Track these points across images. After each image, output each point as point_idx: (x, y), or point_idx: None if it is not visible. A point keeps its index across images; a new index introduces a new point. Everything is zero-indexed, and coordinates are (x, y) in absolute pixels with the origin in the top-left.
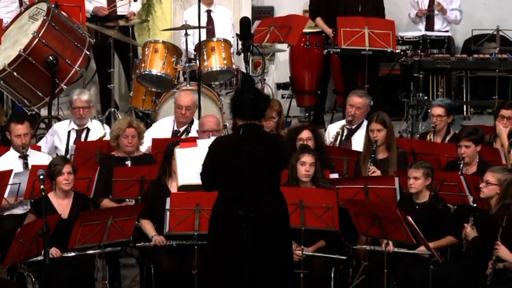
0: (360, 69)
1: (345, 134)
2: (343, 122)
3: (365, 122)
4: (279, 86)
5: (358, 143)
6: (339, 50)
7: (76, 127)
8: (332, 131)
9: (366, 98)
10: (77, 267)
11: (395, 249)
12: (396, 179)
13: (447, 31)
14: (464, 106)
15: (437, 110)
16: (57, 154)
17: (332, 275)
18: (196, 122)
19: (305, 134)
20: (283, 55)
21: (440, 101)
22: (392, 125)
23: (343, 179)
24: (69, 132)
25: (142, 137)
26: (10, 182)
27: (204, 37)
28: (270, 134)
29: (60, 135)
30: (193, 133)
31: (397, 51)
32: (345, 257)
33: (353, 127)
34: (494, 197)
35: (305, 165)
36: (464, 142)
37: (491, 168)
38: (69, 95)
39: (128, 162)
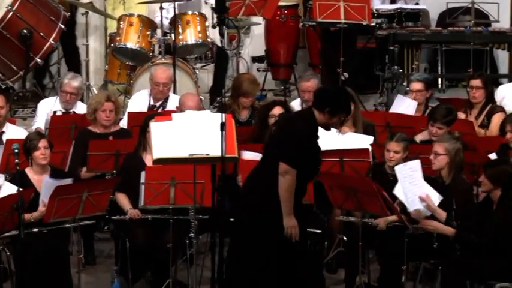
0: (339, 45)
1: None
2: (299, 100)
3: None
4: (254, 60)
5: None
6: (314, 23)
7: (62, 109)
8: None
9: (314, 79)
10: (51, 241)
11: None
12: (370, 152)
13: (417, 3)
14: (439, 79)
15: (417, 85)
16: None
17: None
18: (172, 97)
19: (277, 110)
20: (258, 28)
21: (418, 75)
22: (358, 99)
23: None
24: (54, 112)
25: (119, 111)
26: None
27: None
28: None
29: (41, 112)
30: (169, 108)
31: (372, 24)
32: (319, 231)
33: None
34: (445, 167)
35: None
36: (439, 124)
37: (438, 139)
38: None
39: (111, 137)
